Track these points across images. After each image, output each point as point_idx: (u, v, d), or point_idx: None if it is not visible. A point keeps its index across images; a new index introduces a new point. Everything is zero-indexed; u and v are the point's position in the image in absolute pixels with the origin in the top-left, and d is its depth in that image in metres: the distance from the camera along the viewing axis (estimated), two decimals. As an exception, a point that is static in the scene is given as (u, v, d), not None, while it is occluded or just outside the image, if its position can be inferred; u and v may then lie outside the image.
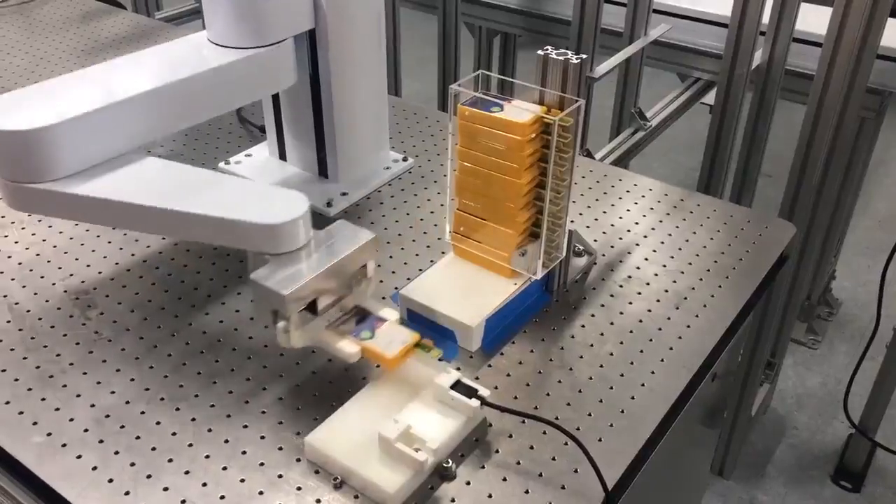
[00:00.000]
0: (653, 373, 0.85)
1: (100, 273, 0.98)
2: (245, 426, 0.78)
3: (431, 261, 0.98)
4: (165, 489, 0.72)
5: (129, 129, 0.87)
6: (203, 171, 0.89)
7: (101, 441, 0.76)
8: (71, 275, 0.98)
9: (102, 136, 0.85)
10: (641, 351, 0.88)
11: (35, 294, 0.95)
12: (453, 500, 0.71)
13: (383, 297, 0.94)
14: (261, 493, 0.72)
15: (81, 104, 0.83)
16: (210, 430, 0.78)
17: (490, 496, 0.72)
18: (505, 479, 0.73)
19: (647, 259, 1.01)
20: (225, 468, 0.74)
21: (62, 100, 0.85)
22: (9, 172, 0.82)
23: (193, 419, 0.79)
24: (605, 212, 1.10)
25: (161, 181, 0.85)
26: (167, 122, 0.92)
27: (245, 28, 0.94)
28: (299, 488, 0.72)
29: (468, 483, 0.73)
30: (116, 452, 0.75)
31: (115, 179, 0.83)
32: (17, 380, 0.83)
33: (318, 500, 0.71)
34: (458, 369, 0.82)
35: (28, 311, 0.92)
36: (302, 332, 0.76)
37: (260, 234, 0.78)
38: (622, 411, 0.80)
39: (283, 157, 1.18)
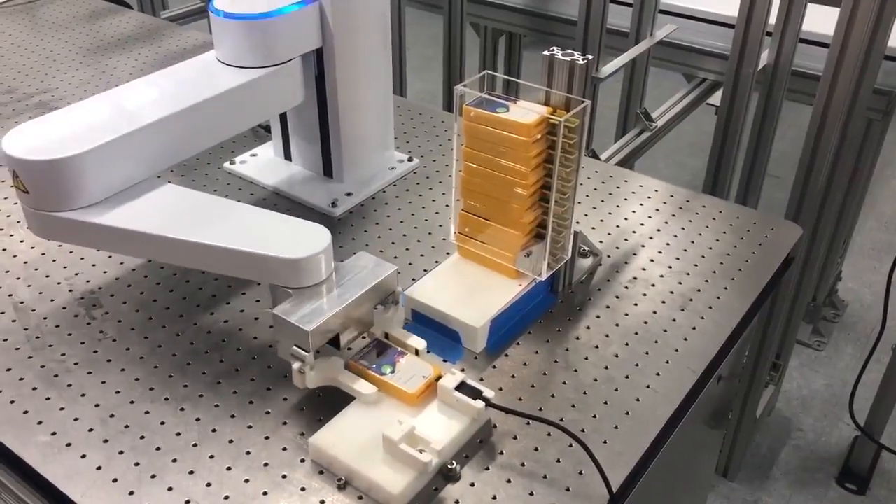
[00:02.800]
0: (658, 374, 0.85)
1: (105, 273, 0.98)
2: (249, 426, 0.78)
3: (436, 261, 0.98)
4: (170, 489, 0.72)
5: (150, 155, 0.88)
6: (221, 201, 0.89)
7: (105, 441, 0.76)
8: (76, 274, 0.98)
9: (124, 164, 0.86)
10: (647, 352, 0.87)
11: (40, 293, 0.95)
12: (457, 502, 0.71)
13: (388, 298, 0.94)
14: (265, 493, 0.72)
15: (104, 132, 0.84)
16: (214, 431, 0.78)
17: (494, 498, 0.72)
18: (509, 481, 0.73)
19: (652, 260, 1.01)
20: (229, 468, 0.74)
21: (84, 128, 0.85)
22: (34, 201, 0.83)
23: (198, 419, 0.79)
24: (610, 213, 1.10)
25: (181, 211, 0.85)
26: (185, 147, 0.93)
27: (254, 49, 0.95)
28: (303, 489, 0.72)
29: (472, 484, 0.73)
30: (121, 452, 0.75)
31: (136, 209, 0.84)
32: (22, 379, 0.83)
33: (323, 501, 0.71)
34: (463, 370, 0.82)
35: (33, 310, 0.92)
36: (318, 372, 0.76)
37: (282, 269, 0.78)
38: (627, 413, 0.80)
39: (288, 157, 1.18)
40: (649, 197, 1.13)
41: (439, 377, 0.77)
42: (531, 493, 0.72)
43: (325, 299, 0.77)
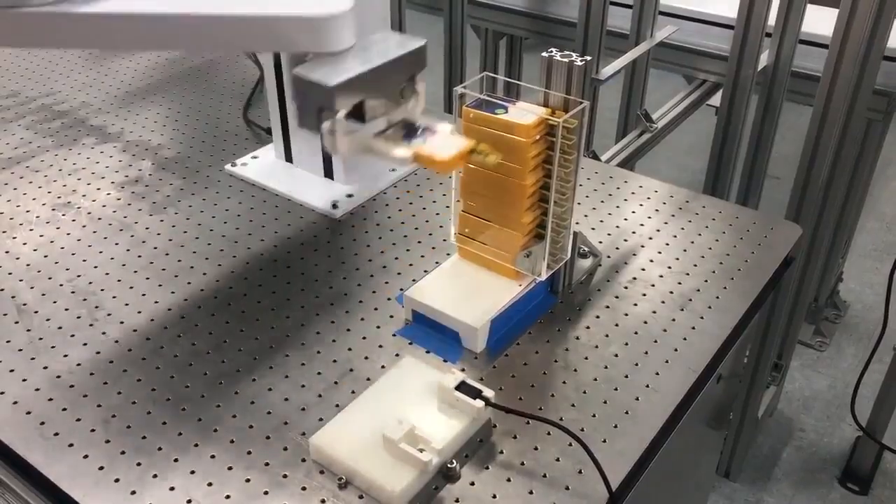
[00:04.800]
0: (657, 374, 0.85)
1: (107, 274, 0.99)
2: (251, 426, 0.79)
3: (437, 262, 0.99)
4: (171, 489, 0.72)
5: None
6: None
7: (107, 441, 0.77)
8: (78, 276, 0.98)
9: None
10: (646, 352, 0.88)
11: (43, 295, 0.95)
12: (457, 501, 0.72)
13: (388, 299, 0.95)
14: (266, 492, 0.72)
15: None
16: (216, 431, 0.78)
17: (494, 497, 0.72)
18: (509, 480, 0.73)
19: (652, 260, 1.02)
20: (230, 468, 0.74)
21: None
22: None
23: (199, 419, 0.79)
24: (610, 213, 1.10)
25: None
26: None
27: None
28: (304, 488, 0.73)
29: (472, 484, 0.73)
30: (123, 452, 0.76)
31: None
32: (25, 380, 0.83)
33: (323, 501, 0.72)
34: (463, 370, 0.82)
35: (36, 311, 0.93)
36: (349, 138, 0.70)
37: (303, 31, 0.69)
38: (627, 412, 0.81)
39: (289, 159, 1.19)
40: (649, 197, 1.14)
41: (472, 150, 0.74)
42: (531, 492, 0.72)
43: (350, 61, 0.69)
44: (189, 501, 0.71)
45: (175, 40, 0.75)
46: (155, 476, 0.73)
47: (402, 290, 0.93)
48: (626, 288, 0.97)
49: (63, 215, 1.09)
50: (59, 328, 0.90)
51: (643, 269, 1.00)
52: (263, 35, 0.71)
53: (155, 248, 1.03)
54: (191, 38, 0.72)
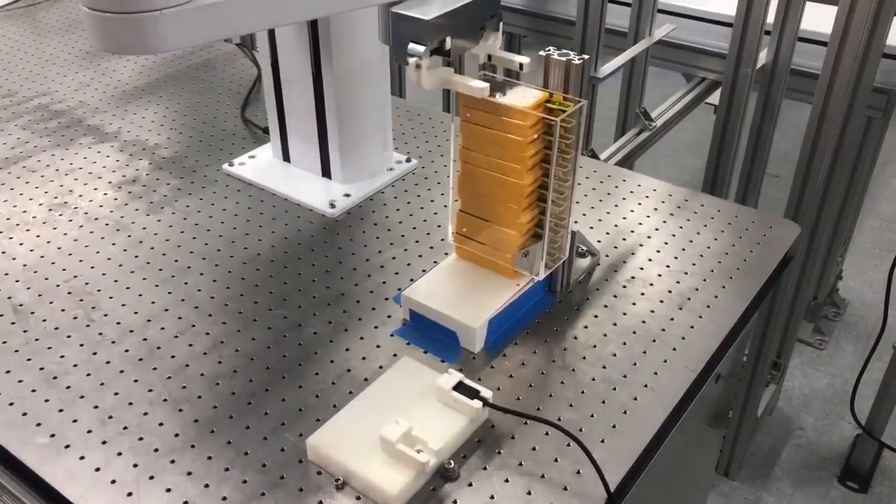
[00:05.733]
0: (656, 374, 0.85)
1: (103, 275, 0.98)
2: (247, 427, 0.78)
3: (434, 262, 0.98)
4: (168, 490, 0.72)
5: None
6: None
7: (104, 442, 0.76)
8: (75, 276, 0.98)
9: None
10: (644, 352, 0.87)
11: (39, 296, 0.95)
12: (455, 502, 0.71)
13: (386, 299, 0.94)
14: (263, 494, 0.72)
15: None
16: (212, 432, 0.78)
17: (492, 497, 0.72)
18: (507, 481, 0.73)
19: (650, 259, 1.01)
20: (227, 469, 0.74)
21: None
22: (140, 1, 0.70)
23: (196, 420, 0.79)
24: (608, 212, 1.10)
25: None
26: None
27: None
28: (301, 489, 0.72)
29: (470, 484, 0.73)
30: (119, 453, 0.75)
31: None
32: (21, 381, 0.83)
33: (320, 502, 0.71)
34: (461, 370, 0.82)
35: (32, 312, 0.92)
36: (432, 72, 0.79)
37: None
38: (625, 412, 0.80)
39: (286, 158, 1.19)
40: (647, 196, 1.13)
41: (548, 98, 0.80)
42: (529, 493, 0.72)
43: (439, 2, 0.79)
44: (186, 502, 0.71)
45: (290, 14, 0.81)
46: (151, 477, 0.73)
47: (399, 289, 0.93)
48: (624, 287, 0.97)
49: (59, 215, 1.09)
50: (56, 329, 0.90)
51: (642, 269, 1.00)
52: None
53: (152, 248, 1.03)
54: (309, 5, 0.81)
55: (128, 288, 0.96)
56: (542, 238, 0.88)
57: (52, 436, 0.77)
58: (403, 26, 0.77)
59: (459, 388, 0.76)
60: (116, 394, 0.82)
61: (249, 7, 0.77)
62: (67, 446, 0.76)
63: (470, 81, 0.80)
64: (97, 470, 0.74)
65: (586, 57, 0.81)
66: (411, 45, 0.77)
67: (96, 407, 0.80)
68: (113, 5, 0.69)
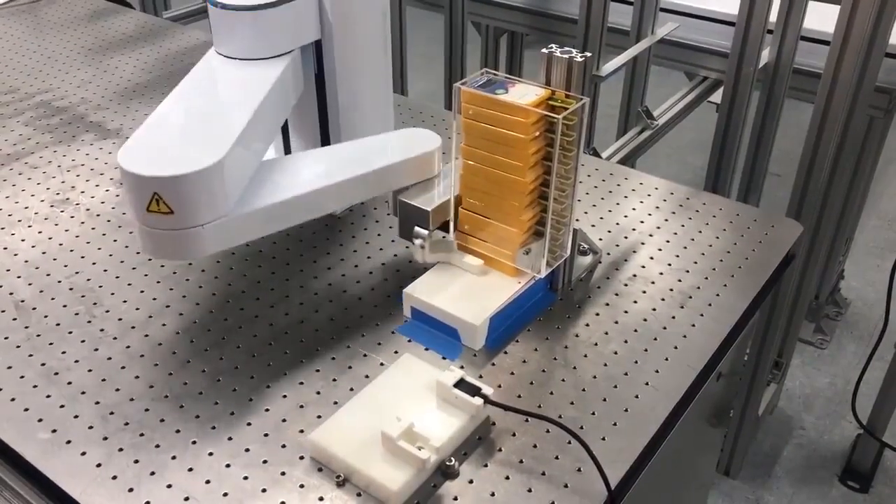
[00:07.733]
0: (657, 372, 0.85)
1: (105, 271, 0.98)
2: (248, 424, 0.78)
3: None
4: (169, 486, 0.72)
5: (256, 149, 0.89)
6: (322, 149, 0.99)
7: (105, 438, 0.77)
8: (76, 272, 0.98)
9: (247, 159, 0.86)
10: (646, 350, 0.87)
11: (41, 292, 0.95)
12: (456, 499, 0.71)
13: (388, 296, 0.94)
14: (264, 490, 0.72)
15: (221, 135, 0.82)
16: (214, 428, 0.78)
17: (493, 494, 0.72)
18: (508, 478, 0.73)
19: (652, 258, 1.01)
20: (228, 465, 0.74)
21: (196, 135, 0.85)
22: (182, 219, 0.78)
23: (197, 416, 0.79)
24: (610, 210, 1.10)
25: (311, 166, 0.92)
26: (272, 132, 0.95)
27: (258, 39, 0.94)
28: (302, 486, 0.72)
29: (471, 481, 0.73)
30: (121, 449, 0.75)
31: (273, 185, 0.86)
32: (22, 377, 0.83)
33: (321, 498, 0.71)
34: (462, 367, 0.82)
35: (34, 308, 0.92)
36: (433, 251, 0.90)
37: (415, 168, 0.91)
38: (626, 410, 0.80)
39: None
40: (649, 194, 1.13)
41: (551, 95, 0.81)
42: (529, 490, 0.72)
43: (437, 187, 0.91)
44: (187, 499, 0.71)
45: (319, 208, 0.92)
46: (153, 473, 0.73)
47: (401, 287, 0.92)
48: (625, 285, 0.97)
49: (61, 212, 1.09)
50: (57, 325, 0.90)
51: (643, 267, 1.00)
52: (391, 178, 0.92)
53: (153, 244, 1.03)
54: (337, 199, 0.93)
55: (129, 284, 0.96)
56: (544, 236, 0.88)
57: (54, 431, 0.77)
58: (409, 213, 0.89)
59: (460, 385, 0.76)
60: (118, 390, 0.82)
61: (276, 214, 0.86)
62: (69, 442, 0.76)
63: (465, 258, 0.91)
64: (98, 466, 0.74)
65: (588, 54, 0.81)
66: (416, 229, 0.89)
67: (98, 403, 0.80)
68: (165, 225, 0.79)
